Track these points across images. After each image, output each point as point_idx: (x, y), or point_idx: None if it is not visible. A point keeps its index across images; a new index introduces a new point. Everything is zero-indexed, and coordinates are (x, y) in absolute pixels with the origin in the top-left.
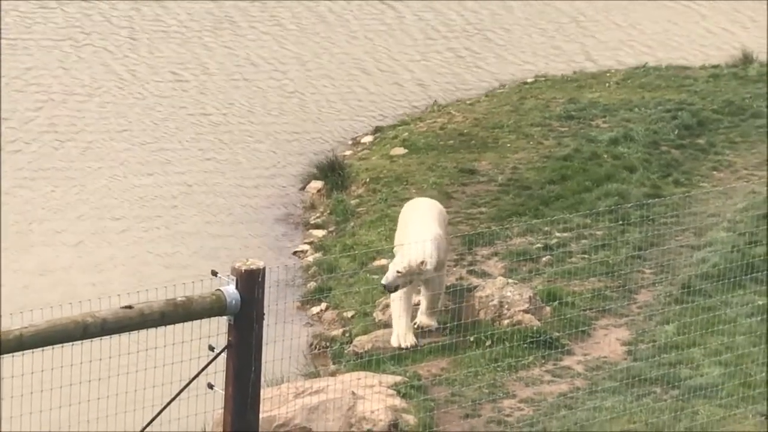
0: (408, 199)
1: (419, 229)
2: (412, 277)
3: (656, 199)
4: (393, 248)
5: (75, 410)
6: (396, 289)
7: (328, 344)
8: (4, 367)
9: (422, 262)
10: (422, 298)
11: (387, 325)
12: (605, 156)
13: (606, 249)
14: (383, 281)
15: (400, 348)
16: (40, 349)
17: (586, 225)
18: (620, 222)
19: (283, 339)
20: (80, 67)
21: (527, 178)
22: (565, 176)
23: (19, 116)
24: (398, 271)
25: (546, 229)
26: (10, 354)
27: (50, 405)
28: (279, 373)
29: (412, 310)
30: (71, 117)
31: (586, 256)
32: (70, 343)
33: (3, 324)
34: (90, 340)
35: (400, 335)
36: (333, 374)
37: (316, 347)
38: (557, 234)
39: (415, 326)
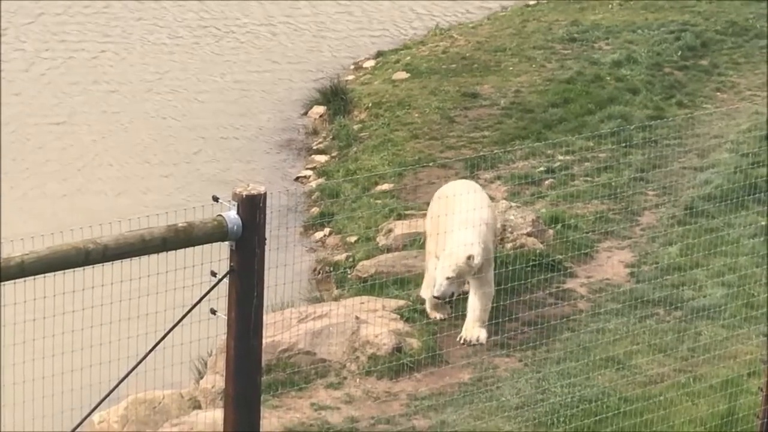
0: (410, 123)
1: (461, 219)
2: (463, 278)
3: (659, 121)
4: (426, 242)
5: (78, 336)
6: (452, 296)
7: (331, 269)
8: (6, 294)
9: (469, 257)
10: (469, 307)
11: (390, 249)
12: (608, 78)
13: (609, 171)
14: (435, 293)
15: (435, 319)
16: (42, 275)
17: (589, 148)
18: (623, 144)
19: (285, 264)
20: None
21: (530, 102)
22: (568, 99)
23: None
24: (448, 277)
25: (549, 152)
26: (12, 281)
27: (53, 331)
28: (282, 298)
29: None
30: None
31: (589, 178)
32: (72, 270)
33: (5, 251)
34: (92, 266)
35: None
36: (336, 299)
37: (319, 272)
38: (560, 157)
39: (461, 341)
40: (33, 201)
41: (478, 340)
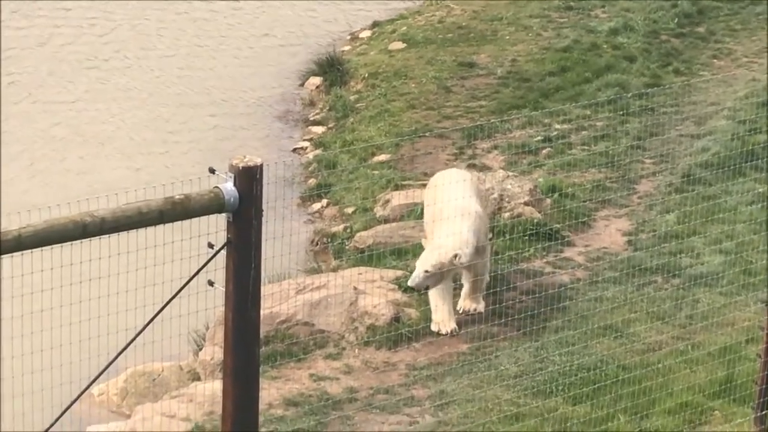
0: (407, 94)
1: (451, 212)
2: (445, 274)
3: (656, 89)
4: (420, 233)
5: (76, 309)
6: (427, 289)
7: (329, 240)
8: (4, 267)
9: (455, 256)
10: (464, 281)
11: (387, 220)
12: (605, 46)
13: (606, 140)
14: (410, 282)
15: (438, 333)
16: (40, 249)
17: (586, 116)
18: (620, 112)
19: (283, 236)
20: None
21: (527, 71)
22: (565, 67)
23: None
24: (426, 270)
25: (546, 121)
26: (10, 254)
27: (51, 305)
28: (280, 269)
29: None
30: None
31: (586, 147)
32: (70, 243)
33: (2, 225)
34: (89, 239)
35: (440, 321)
36: (334, 270)
37: (317, 243)
38: (557, 126)
39: (459, 311)
40: (52, 176)
41: (476, 310)
